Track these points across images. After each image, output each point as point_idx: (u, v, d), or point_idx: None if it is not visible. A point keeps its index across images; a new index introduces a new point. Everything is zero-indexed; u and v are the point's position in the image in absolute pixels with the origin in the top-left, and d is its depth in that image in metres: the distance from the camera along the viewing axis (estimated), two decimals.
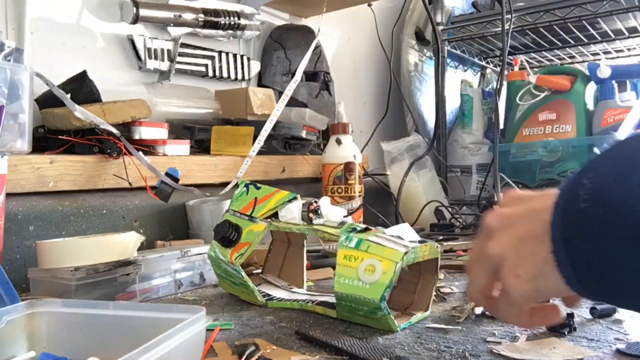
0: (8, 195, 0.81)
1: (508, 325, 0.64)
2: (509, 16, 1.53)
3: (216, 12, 1.32)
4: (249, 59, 1.46)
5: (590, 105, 1.65)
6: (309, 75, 1.60)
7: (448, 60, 1.89)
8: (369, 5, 1.68)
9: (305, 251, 0.85)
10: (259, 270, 0.96)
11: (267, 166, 1.30)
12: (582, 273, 0.34)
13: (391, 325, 0.62)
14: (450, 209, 1.57)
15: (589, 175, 0.34)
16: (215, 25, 1.33)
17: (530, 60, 2.16)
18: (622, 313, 0.69)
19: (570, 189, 0.35)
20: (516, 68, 1.93)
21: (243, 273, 0.74)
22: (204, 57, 1.35)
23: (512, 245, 0.38)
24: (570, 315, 0.62)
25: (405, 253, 0.62)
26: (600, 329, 0.63)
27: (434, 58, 1.85)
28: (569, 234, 0.34)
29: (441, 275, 0.93)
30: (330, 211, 0.72)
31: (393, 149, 1.66)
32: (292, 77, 1.19)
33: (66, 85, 0.99)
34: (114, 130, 0.95)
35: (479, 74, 2.30)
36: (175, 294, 0.85)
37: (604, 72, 1.58)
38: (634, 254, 0.31)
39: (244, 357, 0.54)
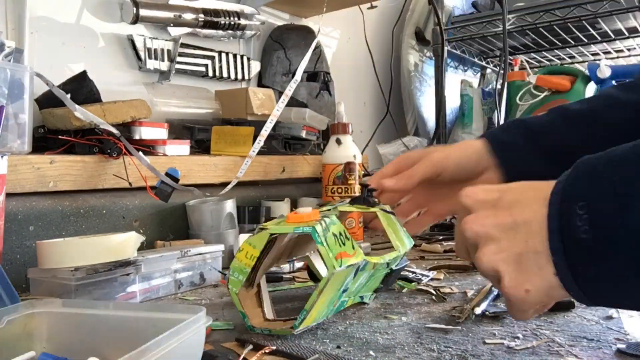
0: (8, 195, 0.81)
1: (508, 326, 0.64)
2: (509, 16, 1.53)
3: (216, 12, 1.32)
4: (249, 59, 1.46)
5: None
6: (309, 75, 1.60)
7: (448, 60, 1.89)
8: (371, 7, 1.67)
9: None
10: None
11: (267, 166, 1.30)
12: (590, 292, 0.36)
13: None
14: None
15: (580, 203, 0.35)
16: (215, 25, 1.33)
17: (530, 60, 2.16)
18: (622, 313, 0.69)
19: (565, 215, 0.36)
20: (516, 68, 1.93)
21: None
22: (204, 57, 1.35)
23: (508, 261, 0.39)
24: None
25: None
26: (600, 329, 0.63)
27: (434, 58, 1.85)
28: (572, 260, 0.36)
29: (441, 276, 0.93)
30: None
31: (389, 152, 1.66)
32: (292, 77, 1.19)
33: (66, 85, 0.99)
34: (114, 130, 0.95)
35: (479, 74, 2.30)
36: (175, 294, 0.85)
37: (604, 72, 1.58)
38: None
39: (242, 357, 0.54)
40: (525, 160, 0.65)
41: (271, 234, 0.62)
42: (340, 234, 0.62)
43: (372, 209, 0.72)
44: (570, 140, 0.64)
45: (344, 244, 0.61)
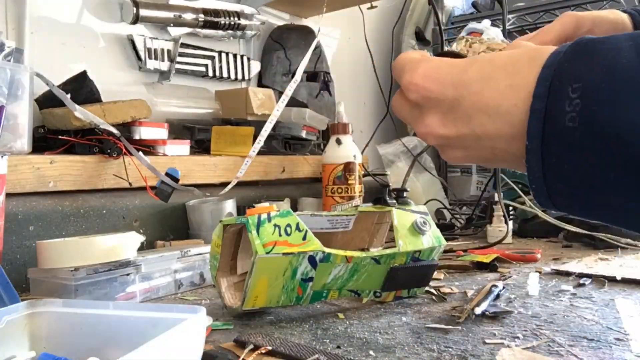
0: (8, 195, 0.81)
1: (508, 326, 0.64)
2: (509, 16, 1.53)
3: (216, 12, 1.32)
4: (249, 59, 1.46)
5: None
6: (309, 75, 1.60)
7: None
8: (371, 7, 1.67)
9: None
10: None
11: (267, 166, 1.30)
12: (553, 190, 0.33)
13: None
14: (450, 209, 1.57)
15: (574, 85, 0.30)
16: (215, 26, 1.33)
17: None
18: (623, 313, 0.69)
19: (554, 95, 0.31)
20: None
21: None
22: (204, 57, 1.35)
23: (477, 161, 0.39)
24: None
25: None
26: (600, 329, 0.63)
27: None
28: (547, 152, 0.32)
29: (441, 276, 0.93)
30: None
31: (389, 153, 1.66)
32: (292, 77, 1.19)
33: (66, 85, 0.99)
34: (114, 130, 0.95)
35: None
36: (175, 294, 0.85)
37: None
38: (617, 178, 0.30)
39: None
40: None
41: (224, 225, 0.70)
42: (288, 225, 0.66)
43: (387, 208, 0.78)
44: None
45: (288, 234, 0.66)
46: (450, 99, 0.36)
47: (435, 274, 0.92)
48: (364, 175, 1.36)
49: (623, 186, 0.30)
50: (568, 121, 0.30)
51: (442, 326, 0.64)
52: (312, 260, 0.67)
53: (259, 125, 1.18)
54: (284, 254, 0.64)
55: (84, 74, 1.03)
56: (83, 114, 0.91)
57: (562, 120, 0.30)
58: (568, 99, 0.30)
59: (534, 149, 0.32)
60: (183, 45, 1.28)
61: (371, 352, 0.56)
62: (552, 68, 0.32)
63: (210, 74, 1.36)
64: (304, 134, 1.39)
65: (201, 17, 1.28)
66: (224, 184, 1.13)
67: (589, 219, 0.37)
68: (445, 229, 1.43)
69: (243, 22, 1.38)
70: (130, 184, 0.99)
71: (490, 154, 0.37)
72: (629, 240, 1.14)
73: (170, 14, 1.23)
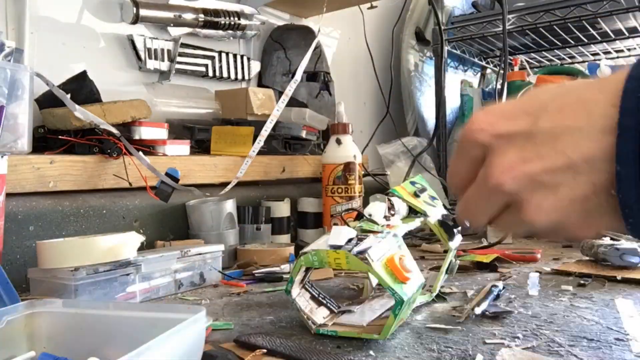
0: (8, 195, 0.80)
1: (508, 326, 0.64)
2: (509, 16, 1.53)
3: (216, 12, 1.32)
4: (249, 59, 1.46)
5: None
6: (309, 75, 1.60)
7: (448, 60, 1.89)
8: (371, 7, 1.67)
9: None
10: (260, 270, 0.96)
11: (267, 166, 1.30)
12: None
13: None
14: (450, 209, 1.57)
15: None
16: (215, 25, 1.33)
17: (530, 60, 2.16)
18: (623, 313, 0.69)
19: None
20: (516, 68, 1.93)
21: None
22: (204, 57, 1.35)
23: (573, 210, 0.29)
24: None
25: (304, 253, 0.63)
26: (600, 329, 0.63)
27: (434, 58, 1.85)
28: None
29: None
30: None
31: (389, 153, 1.66)
32: (292, 77, 1.19)
33: (66, 85, 0.99)
34: (114, 130, 0.95)
35: (479, 74, 2.30)
36: (175, 294, 0.85)
37: (604, 72, 1.58)
38: None
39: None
40: None
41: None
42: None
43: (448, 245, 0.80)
44: None
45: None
46: (526, 127, 0.30)
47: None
48: (364, 175, 1.36)
49: None
50: None
51: (442, 326, 0.64)
52: None
53: (259, 125, 1.18)
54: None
55: (84, 74, 1.03)
56: (83, 114, 0.91)
57: None
58: None
59: (628, 175, 0.26)
60: (183, 45, 1.28)
61: (371, 352, 0.56)
62: (638, 80, 0.26)
63: (210, 74, 1.36)
64: (304, 134, 1.39)
65: (201, 17, 1.28)
66: (224, 184, 1.13)
67: None
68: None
69: (243, 22, 1.38)
70: (130, 184, 0.99)
71: (590, 190, 0.28)
72: (629, 238, 1.14)
73: (170, 14, 1.23)
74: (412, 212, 0.81)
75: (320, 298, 0.68)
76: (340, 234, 0.63)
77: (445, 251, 1.12)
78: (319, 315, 0.66)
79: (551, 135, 0.29)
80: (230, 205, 1.11)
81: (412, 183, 0.82)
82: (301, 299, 0.66)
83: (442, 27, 1.79)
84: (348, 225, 0.68)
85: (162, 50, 1.24)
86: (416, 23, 2.00)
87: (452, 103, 1.98)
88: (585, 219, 0.29)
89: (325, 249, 0.62)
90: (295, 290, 0.65)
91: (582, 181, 0.28)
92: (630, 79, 0.27)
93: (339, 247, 0.61)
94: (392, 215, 0.73)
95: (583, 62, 2.09)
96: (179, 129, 1.23)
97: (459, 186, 0.34)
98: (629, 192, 0.26)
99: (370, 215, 0.71)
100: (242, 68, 1.44)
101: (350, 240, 0.63)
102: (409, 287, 0.59)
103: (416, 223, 0.78)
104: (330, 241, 0.62)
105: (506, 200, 0.31)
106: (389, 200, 0.74)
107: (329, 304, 0.69)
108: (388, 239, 0.64)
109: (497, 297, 0.76)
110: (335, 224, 0.71)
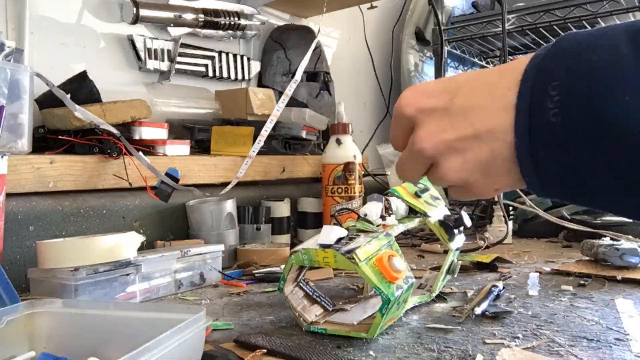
0: (8, 195, 0.81)
1: (508, 326, 0.64)
2: (509, 16, 1.53)
3: (216, 12, 1.32)
4: (249, 59, 1.46)
5: None
6: (309, 75, 1.60)
7: (448, 60, 1.89)
8: (371, 7, 1.67)
9: None
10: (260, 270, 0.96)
11: (267, 166, 1.30)
12: (545, 181, 0.35)
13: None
14: (450, 209, 1.57)
15: (553, 84, 0.33)
16: (215, 26, 1.33)
17: None
18: (623, 313, 0.69)
19: (537, 94, 0.34)
20: None
21: None
22: (204, 57, 1.35)
23: (475, 170, 0.37)
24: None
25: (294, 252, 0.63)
26: (600, 329, 0.63)
27: (434, 58, 1.85)
28: (535, 145, 0.34)
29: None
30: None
31: (389, 153, 1.66)
32: (292, 77, 1.19)
33: (66, 85, 0.99)
34: (114, 131, 0.95)
35: None
36: (175, 294, 0.85)
37: None
38: (602, 164, 0.32)
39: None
40: None
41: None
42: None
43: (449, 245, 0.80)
44: None
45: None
46: (443, 104, 0.38)
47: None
48: (364, 175, 1.36)
49: (608, 175, 0.32)
50: (552, 117, 0.33)
51: (442, 326, 0.64)
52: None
53: (259, 125, 1.18)
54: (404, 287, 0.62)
55: (84, 74, 1.03)
56: (83, 114, 0.91)
57: (547, 116, 0.33)
58: (549, 97, 0.33)
59: (523, 145, 0.34)
60: (183, 45, 1.28)
61: (371, 352, 0.56)
62: (533, 71, 0.34)
63: (210, 74, 1.36)
64: (304, 134, 1.39)
65: (201, 17, 1.28)
66: (224, 184, 1.13)
67: (585, 207, 0.38)
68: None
69: (243, 22, 1.38)
70: (130, 184, 0.99)
71: (490, 155, 0.36)
72: (629, 238, 1.14)
73: (170, 14, 1.23)
74: (413, 212, 0.81)
75: (314, 296, 0.69)
76: (330, 233, 0.63)
77: (446, 251, 1.12)
78: (312, 313, 0.67)
79: (463, 110, 0.37)
80: (230, 205, 1.11)
81: (415, 183, 0.82)
82: (294, 296, 0.67)
83: (442, 27, 1.79)
84: (341, 226, 0.68)
85: (162, 50, 1.24)
86: (416, 23, 2.00)
87: None
88: (487, 179, 0.37)
89: (314, 248, 0.62)
90: (288, 288, 0.66)
91: (484, 147, 0.36)
92: (527, 70, 0.34)
93: (328, 246, 0.62)
94: (389, 215, 0.73)
95: None
96: (179, 129, 1.23)
97: (398, 149, 0.43)
98: (524, 158, 0.34)
99: (365, 215, 0.71)
100: (242, 68, 1.44)
101: (340, 239, 0.64)
102: (398, 286, 0.59)
103: (414, 223, 0.78)
104: (320, 240, 0.63)
105: (429, 162, 0.39)
106: (387, 200, 0.74)
107: (323, 302, 0.69)
108: (379, 238, 0.65)
109: (497, 297, 0.76)
110: (336, 224, 0.70)
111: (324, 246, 0.62)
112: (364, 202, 1.28)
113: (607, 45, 0.32)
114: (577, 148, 0.32)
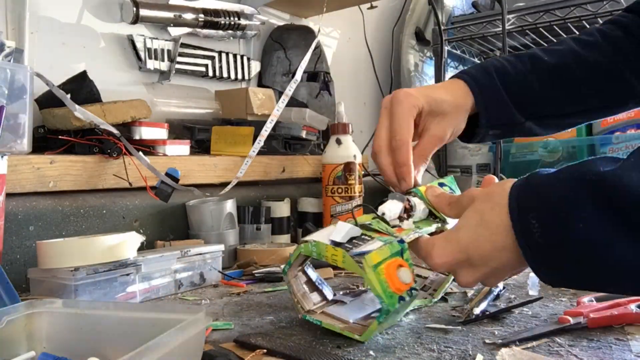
0: (8, 195, 0.81)
1: (508, 326, 0.64)
2: (509, 16, 1.53)
3: (216, 12, 1.32)
4: (249, 59, 1.46)
5: None
6: (309, 75, 1.60)
7: (448, 60, 1.89)
8: (371, 7, 1.67)
9: None
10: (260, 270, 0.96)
11: (267, 166, 1.30)
12: (549, 280, 0.49)
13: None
14: None
15: (532, 214, 0.47)
16: (216, 25, 1.33)
17: None
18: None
19: (523, 222, 0.48)
20: None
21: None
22: (204, 57, 1.35)
23: (487, 276, 0.54)
24: None
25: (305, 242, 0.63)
26: (600, 329, 0.63)
27: (434, 58, 1.85)
28: (533, 257, 0.48)
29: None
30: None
31: None
32: (292, 77, 1.19)
33: (66, 85, 0.99)
34: (114, 131, 0.95)
35: None
36: (175, 294, 0.85)
37: None
38: (581, 268, 0.46)
39: None
40: (504, 111, 0.71)
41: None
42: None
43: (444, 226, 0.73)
44: (544, 98, 0.71)
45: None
46: (464, 259, 0.53)
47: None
48: (364, 175, 1.36)
49: (590, 283, 0.48)
50: (538, 238, 0.46)
51: (442, 326, 0.64)
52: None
53: (259, 125, 1.18)
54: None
55: (84, 74, 1.03)
56: (83, 114, 0.91)
57: (534, 238, 0.47)
58: (531, 225, 0.47)
59: (528, 258, 0.48)
60: (183, 45, 1.28)
61: (371, 352, 0.56)
62: (515, 210, 0.49)
63: (210, 74, 1.36)
64: (304, 134, 1.39)
65: (201, 17, 1.28)
66: (224, 184, 1.13)
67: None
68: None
69: (243, 22, 1.38)
70: (130, 184, 0.99)
71: (509, 272, 0.55)
72: None
73: (170, 14, 1.23)
74: (432, 215, 0.72)
75: (317, 283, 0.68)
76: (344, 231, 0.62)
77: None
78: (310, 301, 0.66)
79: (482, 259, 0.53)
80: (230, 205, 1.11)
81: (441, 184, 0.78)
82: (297, 281, 0.66)
83: (442, 27, 1.79)
84: (356, 223, 0.66)
85: (162, 50, 1.24)
86: (416, 23, 2.00)
87: None
88: (498, 280, 0.56)
89: (325, 242, 0.61)
90: (292, 273, 0.66)
91: (500, 273, 0.54)
92: (510, 211, 0.49)
93: (339, 244, 0.60)
94: (408, 217, 0.67)
95: None
96: (179, 129, 1.23)
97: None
98: (531, 263, 0.49)
99: (382, 214, 0.67)
100: (242, 68, 1.44)
101: (352, 239, 0.62)
102: (401, 298, 0.57)
103: (431, 229, 0.69)
104: (333, 236, 0.61)
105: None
106: (408, 200, 0.67)
107: (324, 290, 0.68)
108: (393, 245, 0.61)
109: (497, 297, 0.76)
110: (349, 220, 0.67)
111: (336, 244, 0.60)
112: (364, 202, 1.28)
113: (564, 187, 0.45)
114: (562, 260, 0.46)
